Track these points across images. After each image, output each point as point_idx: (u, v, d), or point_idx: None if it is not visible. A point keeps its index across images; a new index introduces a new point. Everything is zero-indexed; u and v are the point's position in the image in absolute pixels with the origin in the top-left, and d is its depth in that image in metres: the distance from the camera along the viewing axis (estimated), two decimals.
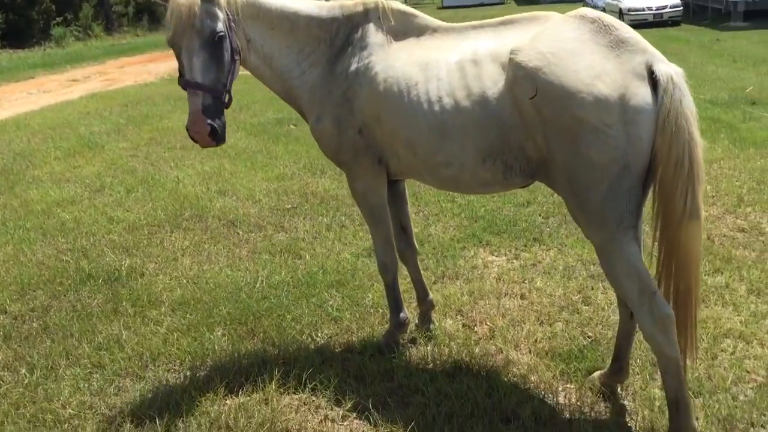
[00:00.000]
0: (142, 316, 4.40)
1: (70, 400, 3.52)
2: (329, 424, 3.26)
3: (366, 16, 3.42)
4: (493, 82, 2.90)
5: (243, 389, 3.50)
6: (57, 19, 31.74)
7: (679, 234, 2.69)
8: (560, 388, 3.43)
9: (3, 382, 3.74)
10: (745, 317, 4.00)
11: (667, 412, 3.09)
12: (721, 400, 3.22)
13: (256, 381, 3.55)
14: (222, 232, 5.97)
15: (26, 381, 3.73)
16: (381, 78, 3.22)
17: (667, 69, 2.61)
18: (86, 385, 3.66)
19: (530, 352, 3.78)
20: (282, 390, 3.49)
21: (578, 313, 4.20)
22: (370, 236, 5.48)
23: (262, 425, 3.21)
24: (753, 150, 7.37)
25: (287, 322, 4.20)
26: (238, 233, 5.93)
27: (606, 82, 2.61)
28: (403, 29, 3.37)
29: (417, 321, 4.06)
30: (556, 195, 6.14)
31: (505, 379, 3.50)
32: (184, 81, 3.09)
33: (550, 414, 3.21)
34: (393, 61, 3.24)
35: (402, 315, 3.84)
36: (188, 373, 3.71)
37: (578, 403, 3.30)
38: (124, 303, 4.58)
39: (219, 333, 4.12)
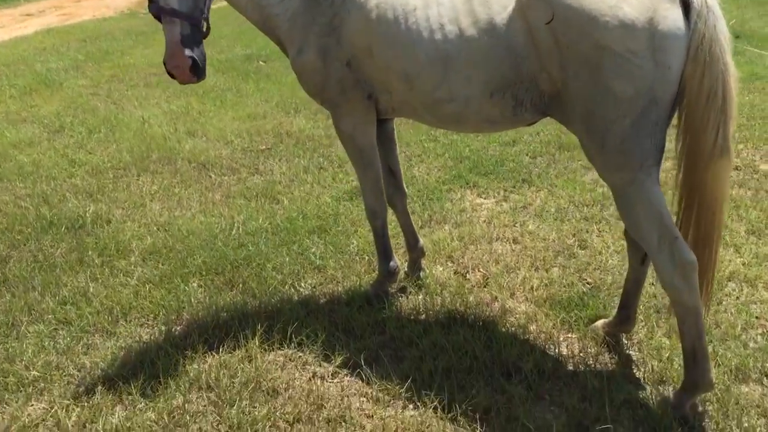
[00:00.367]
0: (111, 266, 4.08)
1: (34, 360, 3.23)
2: (318, 382, 3.02)
3: None
4: (503, 7, 2.58)
5: (224, 345, 3.24)
6: None
7: (707, 173, 2.46)
8: (561, 339, 3.24)
9: None
10: (747, 259, 3.83)
11: (676, 363, 2.92)
12: (731, 348, 3.06)
13: (238, 336, 3.29)
14: (193, 175, 5.61)
15: None
16: (373, 3, 2.87)
17: None
18: (51, 343, 3.36)
19: (527, 300, 3.58)
20: (266, 346, 3.24)
21: (574, 257, 3.99)
22: (351, 179, 5.21)
23: (247, 385, 2.97)
24: (740, 85, 7.13)
25: (267, 271, 3.92)
26: (210, 176, 5.57)
27: (632, 5, 2.32)
28: None
29: (406, 269, 3.81)
30: (542, 133, 5.92)
31: (503, 330, 3.29)
32: (156, 7, 2.71)
33: (553, 367, 3.01)
34: None
35: (392, 264, 3.59)
36: (163, 329, 3.44)
37: (581, 354, 3.11)
38: (90, 252, 4.24)
39: (195, 284, 3.83)
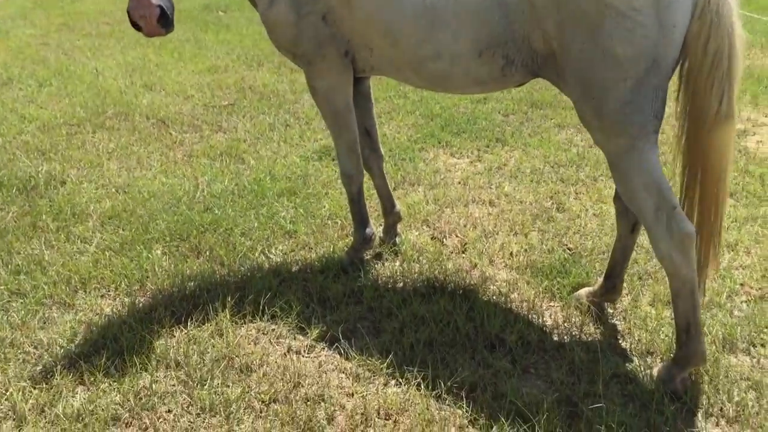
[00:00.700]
0: (67, 232, 3.79)
1: None
2: (294, 357, 2.84)
3: None
4: None
5: (192, 319, 3.02)
6: None
7: (711, 138, 2.32)
8: (544, 308, 3.12)
9: None
10: (726, 223, 3.72)
11: (662, 333, 2.83)
12: (718, 317, 2.97)
13: (207, 308, 3.08)
14: (152, 132, 5.29)
15: None
16: None
17: None
18: (4, 317, 3.10)
19: (507, 266, 3.43)
20: (237, 318, 3.03)
21: (553, 221, 3.85)
22: (319, 137, 4.97)
23: (218, 362, 2.77)
24: None
25: (236, 237, 3.69)
26: (171, 134, 5.26)
27: None
28: None
29: (381, 234, 3.62)
30: (514, 90, 5.73)
31: (484, 299, 3.14)
32: None
33: (537, 338, 2.89)
34: None
35: (368, 230, 3.40)
36: (126, 301, 3.20)
37: (565, 325, 2.99)
38: (44, 217, 3.94)
39: (158, 251, 3.58)
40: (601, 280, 3.01)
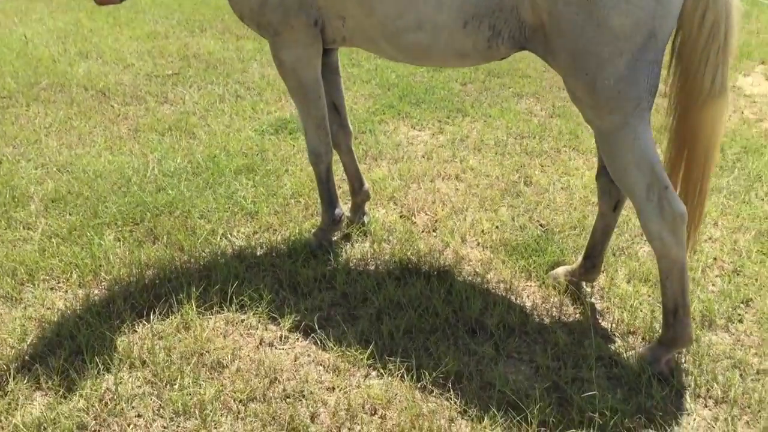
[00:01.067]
0: (7, 218, 3.49)
1: None
2: (267, 349, 2.68)
3: None
4: None
5: (155, 311, 2.82)
6: None
7: (703, 113, 2.25)
8: (521, 288, 3.03)
9: None
10: None
11: (641, 311, 2.80)
12: (695, 293, 2.95)
13: (169, 299, 2.87)
14: (92, 105, 4.93)
15: None
16: None
17: None
18: None
19: (480, 245, 3.34)
20: (203, 309, 2.83)
21: (521, 195, 3.77)
22: (273, 108, 4.74)
23: (187, 358, 2.58)
24: None
25: (194, 219, 3.46)
26: (113, 106, 4.93)
27: None
28: None
29: (349, 214, 3.46)
30: None
31: (461, 280, 3.04)
32: None
33: (518, 321, 2.80)
34: None
35: (337, 211, 3.24)
36: (79, 293, 2.96)
37: (545, 305, 2.92)
38: None
39: (110, 237, 3.33)
40: (580, 259, 2.94)
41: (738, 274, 3.10)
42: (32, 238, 3.31)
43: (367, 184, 3.43)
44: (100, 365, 2.54)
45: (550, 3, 2.15)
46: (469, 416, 2.34)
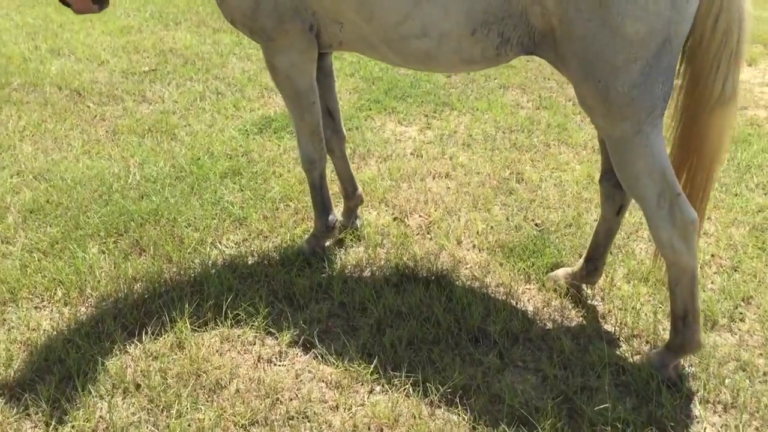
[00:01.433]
0: None
1: None
2: (266, 366, 2.57)
3: None
4: None
5: (147, 330, 2.69)
6: None
7: (712, 119, 2.19)
8: (521, 291, 2.95)
9: None
10: None
11: (643, 313, 2.76)
12: None
13: (161, 316, 2.75)
14: (67, 105, 4.74)
15: None
16: None
17: None
18: None
19: (475, 247, 3.25)
20: (197, 326, 2.71)
21: (513, 193, 3.69)
22: (255, 106, 4.59)
23: (184, 380, 2.46)
24: None
25: (180, 228, 3.33)
26: (89, 106, 4.73)
27: None
28: None
29: (341, 218, 3.35)
30: None
31: (460, 285, 2.96)
32: None
33: (521, 327, 2.73)
34: None
35: (330, 217, 3.12)
36: (66, 312, 2.82)
37: (546, 309, 2.85)
38: None
39: (94, 250, 3.18)
40: (581, 261, 2.86)
41: (736, 271, 3.06)
42: (12, 254, 3.15)
43: (360, 189, 3.31)
44: (92, 391, 2.41)
45: (561, 8, 2.05)
46: None
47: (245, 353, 2.63)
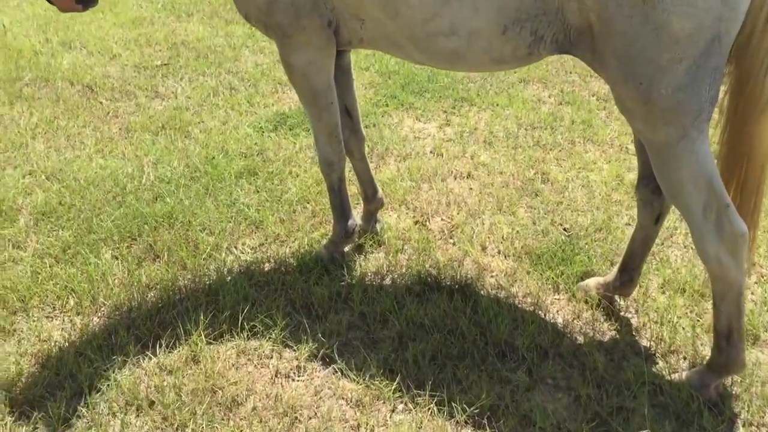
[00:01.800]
0: None
1: None
2: (284, 382, 2.46)
3: None
4: None
5: (161, 342, 2.58)
6: None
7: (760, 124, 2.03)
8: (549, 302, 2.81)
9: None
10: None
11: (680, 327, 2.61)
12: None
13: (176, 327, 2.64)
14: (79, 101, 4.61)
15: None
16: None
17: None
18: None
19: (501, 253, 3.11)
20: (213, 338, 2.60)
21: (539, 195, 3.54)
22: (270, 101, 4.45)
23: (199, 397, 2.35)
24: None
25: (195, 231, 3.21)
26: (101, 102, 4.61)
27: None
28: None
29: (360, 222, 3.21)
30: None
31: (485, 295, 2.82)
32: None
33: (550, 341, 2.60)
34: None
35: (350, 222, 2.99)
36: (77, 322, 2.71)
37: (576, 322, 2.71)
38: None
39: (107, 255, 3.07)
40: (614, 271, 2.71)
41: None
42: (23, 259, 3.05)
43: (381, 192, 3.17)
44: (104, 409, 2.31)
45: (600, 4, 1.89)
46: None
47: (262, 367, 2.52)
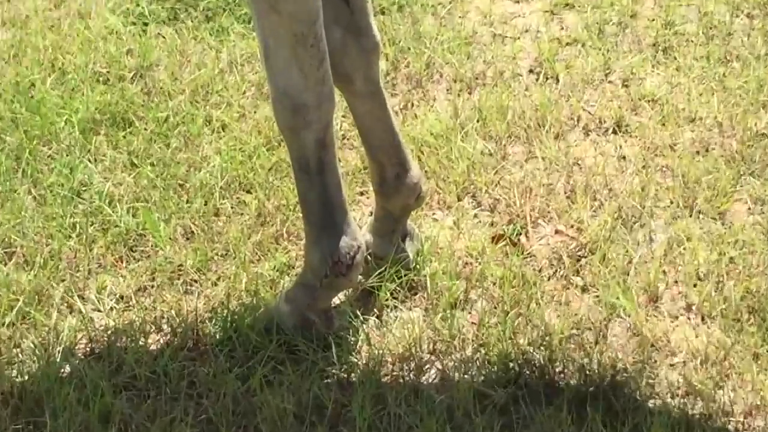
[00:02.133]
0: None
1: None
2: None
3: None
4: None
5: None
6: None
7: None
8: None
9: None
10: None
11: None
12: None
13: None
14: None
15: None
16: None
17: None
18: None
19: (703, 316, 3.08)
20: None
21: None
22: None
23: None
24: None
25: None
26: None
27: None
28: None
29: (370, 237, 3.24)
30: None
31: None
32: None
33: None
34: None
35: (345, 242, 2.92)
36: None
37: None
38: None
39: None
40: None
41: None
42: None
43: (416, 169, 3.08)
44: None
45: None
46: None
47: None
